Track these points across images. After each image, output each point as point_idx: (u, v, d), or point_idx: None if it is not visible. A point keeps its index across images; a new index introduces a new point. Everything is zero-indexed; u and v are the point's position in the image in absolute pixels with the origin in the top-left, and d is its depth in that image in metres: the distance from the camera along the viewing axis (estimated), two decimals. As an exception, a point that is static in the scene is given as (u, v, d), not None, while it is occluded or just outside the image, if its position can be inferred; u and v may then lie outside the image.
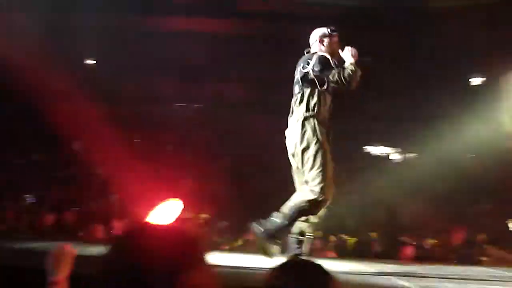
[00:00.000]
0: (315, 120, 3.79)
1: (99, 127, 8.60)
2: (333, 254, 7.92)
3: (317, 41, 4.09)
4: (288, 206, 3.82)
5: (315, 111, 3.79)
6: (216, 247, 7.40)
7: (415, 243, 8.42)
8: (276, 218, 3.82)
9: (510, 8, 11.65)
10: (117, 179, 7.43)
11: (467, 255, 7.44)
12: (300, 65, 3.96)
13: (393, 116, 12.59)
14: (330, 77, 3.74)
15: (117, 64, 11.47)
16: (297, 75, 3.94)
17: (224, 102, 12.84)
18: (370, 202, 10.31)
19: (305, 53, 4.14)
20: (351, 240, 8.59)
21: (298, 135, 3.80)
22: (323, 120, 3.85)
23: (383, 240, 8.70)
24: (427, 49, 12.12)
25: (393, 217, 10.70)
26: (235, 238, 8.26)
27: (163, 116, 12.49)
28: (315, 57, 3.84)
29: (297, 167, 3.91)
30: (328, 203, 3.85)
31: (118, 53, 11.71)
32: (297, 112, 3.87)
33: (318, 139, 3.76)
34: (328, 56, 3.88)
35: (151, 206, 3.53)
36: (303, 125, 3.80)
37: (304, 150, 3.78)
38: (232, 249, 7.65)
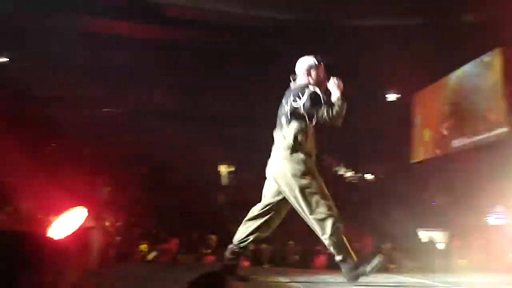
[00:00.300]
0: (302, 152, 3.84)
1: (6, 129, 8.13)
2: (246, 263, 7.96)
3: (305, 73, 4.07)
4: (328, 242, 3.95)
5: (302, 145, 3.84)
6: (129, 255, 7.24)
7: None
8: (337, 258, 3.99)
9: (424, 29, 12.43)
10: (23, 186, 7.05)
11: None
12: (289, 97, 3.94)
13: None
14: (319, 114, 3.78)
15: (35, 64, 10.99)
16: (286, 107, 3.91)
17: (146, 109, 12.64)
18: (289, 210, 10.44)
19: (291, 79, 4.16)
20: (266, 248, 8.68)
21: (288, 168, 3.85)
22: (309, 152, 3.91)
23: (298, 249, 8.87)
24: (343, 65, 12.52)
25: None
26: (151, 248, 8.12)
27: (82, 121, 12.11)
28: (306, 93, 3.81)
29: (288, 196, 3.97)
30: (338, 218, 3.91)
31: (36, 54, 11.23)
32: (284, 144, 3.88)
33: (308, 170, 3.84)
34: (319, 92, 3.86)
35: (56, 214, 3.38)
36: (291, 159, 3.84)
37: (298, 185, 3.83)
38: (144, 259, 7.48)
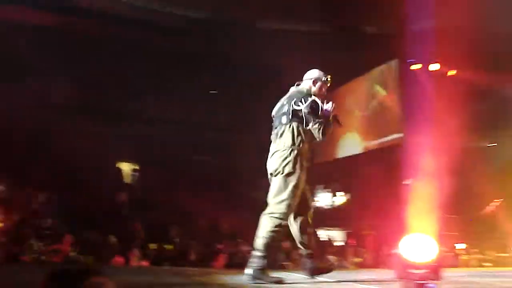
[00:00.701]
0: (298, 152, 4.01)
1: None
2: (146, 263, 7.83)
3: (312, 80, 4.34)
4: (261, 239, 3.98)
5: (299, 145, 4.02)
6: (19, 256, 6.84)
7: (231, 250, 8.72)
8: (257, 254, 3.98)
9: (329, 36, 12.94)
10: None
11: (272, 260, 7.93)
12: (292, 99, 4.17)
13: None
14: (312, 124, 4.03)
15: None
16: (288, 107, 4.14)
17: (42, 103, 11.89)
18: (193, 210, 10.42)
19: (295, 85, 4.41)
20: (168, 248, 8.59)
21: (280, 162, 4.03)
22: (305, 153, 4.07)
23: (200, 248, 8.86)
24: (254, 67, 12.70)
25: (214, 225, 11.03)
26: (44, 248, 7.70)
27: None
28: (310, 101, 4.08)
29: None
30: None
31: None
32: (282, 141, 4.09)
33: (296, 170, 3.98)
34: (320, 103, 4.11)
35: None
36: (286, 155, 4.02)
37: (279, 176, 4.02)
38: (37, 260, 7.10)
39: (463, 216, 11.88)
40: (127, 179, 13.14)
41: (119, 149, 11.84)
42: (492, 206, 11.40)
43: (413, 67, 13.27)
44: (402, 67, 12.48)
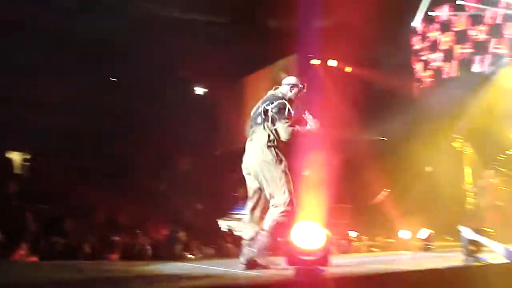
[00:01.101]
0: (275, 149, 4.34)
1: None
2: (35, 258, 7.43)
3: (289, 86, 4.70)
4: (268, 222, 4.31)
5: (274, 142, 4.33)
6: None
7: (127, 242, 8.53)
8: (262, 237, 4.33)
9: (231, 28, 13.01)
10: None
11: (170, 251, 7.92)
12: (266, 101, 4.52)
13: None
14: (277, 124, 4.35)
15: None
16: (261, 109, 4.49)
17: None
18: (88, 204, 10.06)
19: (273, 89, 4.75)
20: (60, 242, 8.19)
21: (262, 160, 4.34)
22: (280, 150, 4.37)
23: (95, 241, 8.56)
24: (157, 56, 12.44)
25: (111, 217, 10.71)
26: None
27: None
28: (278, 102, 4.42)
29: (259, 185, 4.43)
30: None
31: None
32: (259, 140, 4.38)
33: (282, 162, 4.34)
34: (288, 106, 4.43)
35: None
36: (266, 153, 4.32)
37: (270, 172, 4.31)
38: None
39: (355, 205, 12.60)
40: (18, 169, 12.32)
41: (8, 138, 11.07)
42: (381, 196, 12.19)
43: (312, 62, 13.78)
44: (301, 62, 12.86)
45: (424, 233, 8.62)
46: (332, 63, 14.05)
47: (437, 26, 15.50)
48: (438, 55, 15.31)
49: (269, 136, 4.35)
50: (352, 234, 11.39)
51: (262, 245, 4.39)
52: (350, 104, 11.95)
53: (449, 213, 12.71)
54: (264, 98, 4.65)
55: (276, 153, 4.34)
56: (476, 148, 14.35)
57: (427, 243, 8.46)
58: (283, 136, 4.35)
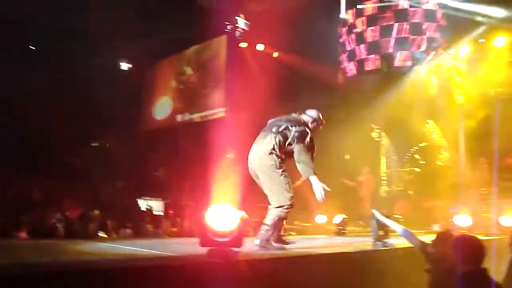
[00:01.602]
0: (276, 156, 4.87)
1: None
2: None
3: (312, 118, 5.20)
4: (270, 218, 4.95)
5: (278, 152, 4.89)
6: None
7: (38, 219, 8.17)
8: (266, 231, 4.95)
9: (168, 5, 12.68)
10: None
11: (83, 230, 7.69)
12: (290, 121, 5.04)
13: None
14: (294, 145, 4.89)
15: None
16: (284, 124, 5.00)
17: None
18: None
19: (297, 113, 5.27)
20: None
21: (263, 164, 4.93)
22: (281, 159, 4.93)
23: (2, 219, 8.12)
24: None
25: (23, 193, 10.23)
26: None
27: None
28: (301, 129, 4.96)
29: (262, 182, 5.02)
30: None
31: None
32: (264, 145, 4.92)
33: (281, 168, 4.90)
34: (308, 135, 4.99)
35: None
36: (268, 158, 4.88)
37: (267, 175, 4.91)
38: None
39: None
40: None
41: None
42: (300, 181, 12.44)
43: (241, 45, 13.76)
44: (230, 44, 12.80)
45: (338, 218, 8.93)
46: (260, 47, 14.11)
47: (363, 19, 15.98)
48: (363, 47, 15.82)
49: (274, 146, 4.88)
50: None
51: (265, 237, 4.96)
52: (274, 89, 12.06)
53: (364, 200, 13.29)
54: (289, 117, 5.19)
55: (276, 160, 4.87)
56: (392, 139, 15.12)
57: (341, 227, 8.78)
58: (297, 156, 4.91)
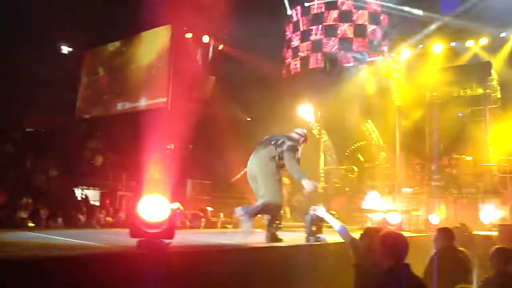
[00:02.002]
0: (276, 165, 5.74)
1: None
2: None
3: (299, 135, 6.06)
4: (259, 205, 5.70)
5: (277, 160, 5.73)
6: None
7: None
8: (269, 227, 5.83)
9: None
10: None
11: (11, 218, 7.41)
12: (285, 137, 5.88)
13: None
14: (285, 153, 5.73)
15: None
16: (280, 138, 5.85)
17: None
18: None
19: (294, 132, 6.09)
20: None
21: (263, 169, 5.76)
22: (278, 167, 5.76)
23: None
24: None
25: None
26: None
27: None
28: (293, 144, 5.80)
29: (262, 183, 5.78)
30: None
31: None
32: (266, 154, 5.77)
33: (278, 174, 5.76)
34: (299, 150, 5.90)
35: None
36: (268, 164, 5.73)
37: (267, 178, 5.72)
38: None
39: (215, 182, 12.79)
40: None
41: None
42: (241, 175, 12.50)
43: (186, 35, 13.61)
44: (174, 34, 12.63)
45: (274, 212, 9.00)
46: (205, 39, 14.01)
47: (309, 17, 16.22)
48: (307, 45, 16.06)
49: (275, 155, 5.77)
50: (210, 209, 11.55)
51: (273, 231, 5.88)
52: (219, 81, 12.05)
53: (302, 196, 13.51)
54: (284, 134, 6.04)
55: (275, 167, 5.76)
56: (331, 136, 15.45)
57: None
58: (287, 162, 5.72)
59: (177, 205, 7.88)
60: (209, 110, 12.23)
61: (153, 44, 13.28)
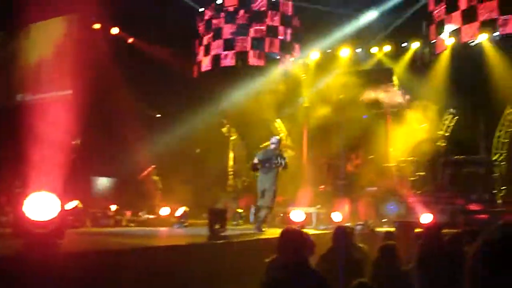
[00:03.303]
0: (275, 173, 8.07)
1: None
2: None
3: (274, 143, 8.31)
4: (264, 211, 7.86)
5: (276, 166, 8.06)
6: None
7: None
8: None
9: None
10: None
11: None
12: (277, 154, 8.23)
13: None
14: (283, 161, 8.15)
15: None
16: (274, 154, 8.16)
17: None
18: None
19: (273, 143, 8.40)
20: None
21: (273, 180, 8.07)
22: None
23: None
24: None
25: None
26: None
27: None
28: (283, 156, 8.30)
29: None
30: None
31: None
32: (273, 171, 8.08)
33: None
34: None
35: None
36: (275, 178, 8.06)
37: (272, 186, 8.00)
38: None
39: (121, 179, 12.39)
40: None
41: None
42: (148, 172, 12.22)
43: (94, 26, 13.06)
44: (81, 23, 12.06)
45: (180, 210, 8.91)
46: (115, 30, 13.54)
47: (222, 15, 16.18)
48: (219, 43, 16.02)
49: (278, 170, 8.09)
50: (113, 208, 11.14)
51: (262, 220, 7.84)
52: (127, 75, 11.65)
53: (211, 193, 13.49)
54: (271, 152, 8.19)
55: (276, 176, 8.06)
56: (241, 135, 15.54)
57: (182, 220, 8.76)
58: (286, 167, 8.16)
59: (75, 203, 7.52)
60: (116, 106, 11.81)
61: (56, 33, 12.59)
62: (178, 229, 8.32)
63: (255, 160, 8.12)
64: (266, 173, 7.94)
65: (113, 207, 10.57)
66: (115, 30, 13.58)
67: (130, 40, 14.00)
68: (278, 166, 7.97)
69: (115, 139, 11.87)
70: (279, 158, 7.96)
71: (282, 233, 3.52)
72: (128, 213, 11.15)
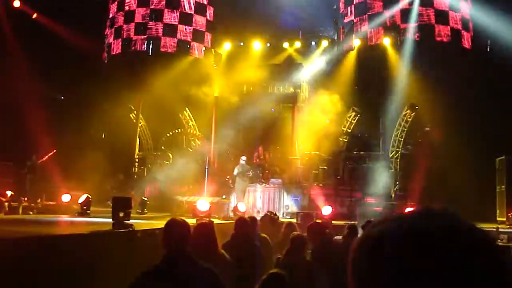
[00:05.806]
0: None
1: None
2: None
3: (243, 160, 11.56)
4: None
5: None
6: None
7: None
8: None
9: None
10: None
11: None
12: (249, 168, 11.64)
13: None
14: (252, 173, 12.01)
15: None
16: (250, 169, 11.72)
17: None
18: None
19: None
20: None
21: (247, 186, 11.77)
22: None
23: None
24: None
25: None
26: None
27: None
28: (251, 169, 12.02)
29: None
30: None
31: None
32: (246, 181, 11.58)
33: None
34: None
35: None
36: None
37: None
38: None
39: (20, 163, 11.69)
40: None
41: None
42: (49, 157, 11.62)
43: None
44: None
45: (83, 198, 8.62)
46: (16, 4, 12.70)
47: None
48: (131, 27, 15.59)
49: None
50: (9, 193, 10.48)
51: None
52: (30, 56, 11.00)
53: (115, 181, 13.16)
54: (246, 168, 11.30)
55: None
56: (150, 122, 15.26)
57: (84, 207, 8.49)
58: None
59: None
60: (15, 86, 11.12)
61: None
62: (82, 217, 8.04)
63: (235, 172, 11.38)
64: (245, 181, 11.51)
65: (9, 193, 9.96)
66: (16, 3, 12.72)
67: (34, 16, 13.19)
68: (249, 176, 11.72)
69: (12, 121, 11.19)
70: (250, 171, 11.68)
71: (166, 225, 3.37)
72: (25, 200, 10.56)
